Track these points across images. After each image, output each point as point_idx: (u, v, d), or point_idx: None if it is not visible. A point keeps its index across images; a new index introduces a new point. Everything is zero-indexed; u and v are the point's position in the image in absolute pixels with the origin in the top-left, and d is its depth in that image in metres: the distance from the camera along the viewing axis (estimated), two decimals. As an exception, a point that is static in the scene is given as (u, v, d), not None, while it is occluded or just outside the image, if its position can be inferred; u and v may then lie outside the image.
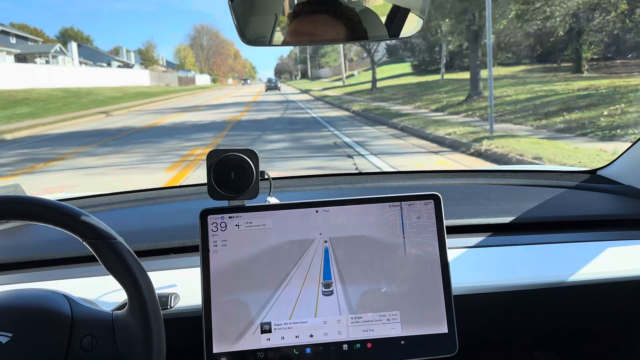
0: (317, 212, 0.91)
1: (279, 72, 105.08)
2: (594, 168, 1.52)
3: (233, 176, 0.90)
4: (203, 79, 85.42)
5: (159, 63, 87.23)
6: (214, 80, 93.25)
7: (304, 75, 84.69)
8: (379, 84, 26.37)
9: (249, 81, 75.49)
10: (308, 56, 74.18)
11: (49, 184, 6.80)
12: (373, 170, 6.45)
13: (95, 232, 0.75)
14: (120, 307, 0.81)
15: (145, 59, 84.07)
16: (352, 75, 44.96)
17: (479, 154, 7.71)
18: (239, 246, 0.89)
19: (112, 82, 41.30)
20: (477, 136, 8.85)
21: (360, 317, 0.88)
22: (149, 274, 0.78)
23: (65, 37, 70.38)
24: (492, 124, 9.27)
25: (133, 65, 68.53)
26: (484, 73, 13.68)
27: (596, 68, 17.07)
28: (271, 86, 44.50)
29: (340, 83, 38.48)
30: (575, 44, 16.98)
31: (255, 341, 0.87)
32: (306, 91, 34.99)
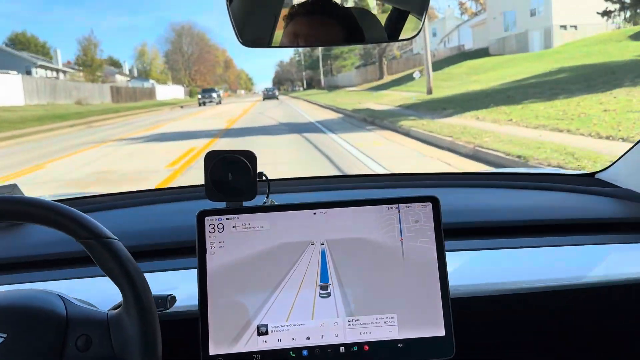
0: (314, 214, 0.90)
1: (279, 82, 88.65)
2: (593, 171, 1.52)
3: (231, 177, 0.89)
4: (171, 92, 59.03)
5: (124, 72, 60.38)
6: (191, 93, 65.23)
7: (310, 85, 65.78)
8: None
9: (217, 95, 39.61)
10: (320, 57, 55.33)
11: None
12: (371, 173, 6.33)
13: (89, 231, 0.75)
14: (116, 308, 0.81)
15: (84, 63, 50.25)
16: (412, 78, 26.35)
17: None
18: (236, 248, 0.88)
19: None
20: None
21: (358, 320, 0.88)
22: (146, 275, 0.78)
23: (14, 43, 50.71)
24: None
25: (65, 72, 46.71)
26: None
27: None
28: (268, 95, 42.96)
29: (412, 93, 20.34)
30: None
31: (251, 343, 0.86)
32: (369, 121, 13.68)
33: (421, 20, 1.00)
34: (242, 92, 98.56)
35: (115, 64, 64.14)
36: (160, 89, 54.93)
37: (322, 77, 57.71)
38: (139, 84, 52.93)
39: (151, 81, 58.96)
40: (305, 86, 69.31)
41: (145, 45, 72.16)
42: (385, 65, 40.52)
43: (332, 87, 48.68)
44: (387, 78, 37.41)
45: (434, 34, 47.32)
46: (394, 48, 39.34)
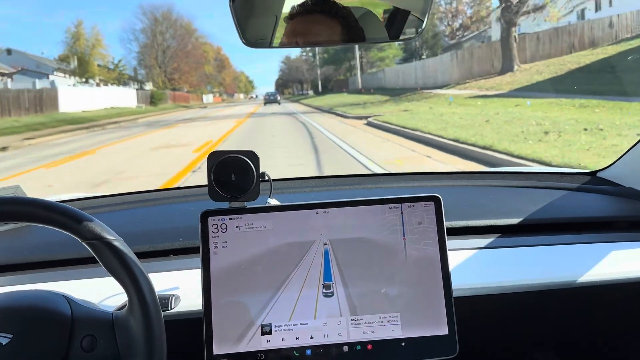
0: (317, 213, 0.91)
1: (283, 83, 77.62)
2: (594, 170, 1.52)
3: (234, 177, 0.90)
4: (109, 96, 34.35)
5: (70, 69, 39.84)
6: (154, 100, 42.10)
7: (326, 87, 48.52)
8: None
9: None
10: (357, 47, 28.93)
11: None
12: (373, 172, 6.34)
13: (94, 232, 0.75)
14: (121, 308, 0.81)
15: None
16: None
17: None
18: (240, 248, 0.89)
19: None
20: None
21: (361, 319, 0.88)
22: (150, 275, 0.78)
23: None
24: None
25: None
26: None
27: None
28: (270, 99, 39.81)
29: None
30: None
31: (255, 343, 0.87)
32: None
33: (422, 20, 1.00)
34: (241, 95, 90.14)
35: (64, 58, 43.35)
36: (74, 93, 30.41)
37: (359, 74, 39.07)
38: (28, 83, 30.29)
39: (51, 78, 35.11)
40: (320, 89, 49.81)
41: (81, 25, 44.47)
42: (516, 45, 19.99)
43: (381, 91, 29.51)
44: (522, 69, 18.92)
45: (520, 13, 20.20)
46: (551, 9, 19.76)
